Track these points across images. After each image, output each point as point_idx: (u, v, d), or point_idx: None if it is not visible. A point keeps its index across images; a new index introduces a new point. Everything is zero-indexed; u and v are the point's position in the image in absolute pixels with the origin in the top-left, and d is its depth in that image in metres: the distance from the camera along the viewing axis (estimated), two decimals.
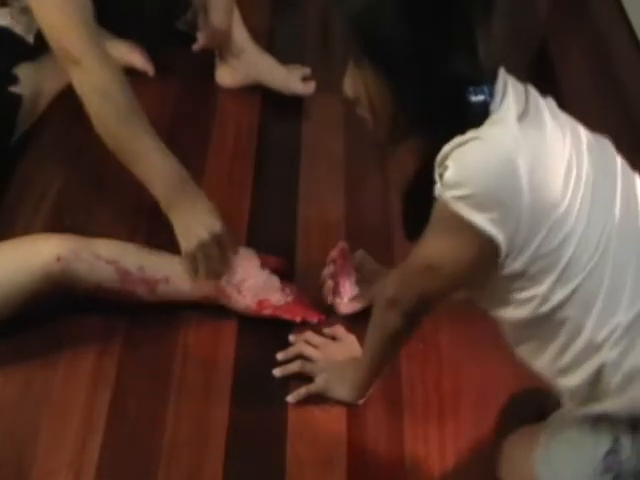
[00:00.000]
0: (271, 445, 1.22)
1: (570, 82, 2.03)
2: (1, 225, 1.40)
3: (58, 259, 1.19)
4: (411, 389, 1.31)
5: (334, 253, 1.39)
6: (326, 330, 1.33)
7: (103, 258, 1.23)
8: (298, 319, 1.34)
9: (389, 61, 0.91)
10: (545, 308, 0.94)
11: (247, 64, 1.71)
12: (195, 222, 1.26)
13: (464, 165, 0.88)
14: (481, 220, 0.88)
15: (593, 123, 1.98)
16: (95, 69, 1.21)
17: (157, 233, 1.43)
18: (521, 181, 0.87)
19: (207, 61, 1.81)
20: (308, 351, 1.28)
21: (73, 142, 1.52)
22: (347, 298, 1.35)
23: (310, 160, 1.66)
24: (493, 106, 0.91)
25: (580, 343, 0.94)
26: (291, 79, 1.72)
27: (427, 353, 1.35)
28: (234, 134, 1.67)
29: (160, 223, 1.44)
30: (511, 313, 0.98)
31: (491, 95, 0.91)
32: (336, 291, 1.36)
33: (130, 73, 1.68)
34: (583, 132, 1.06)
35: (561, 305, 0.93)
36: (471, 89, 0.89)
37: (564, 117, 1.06)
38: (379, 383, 1.26)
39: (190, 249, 1.25)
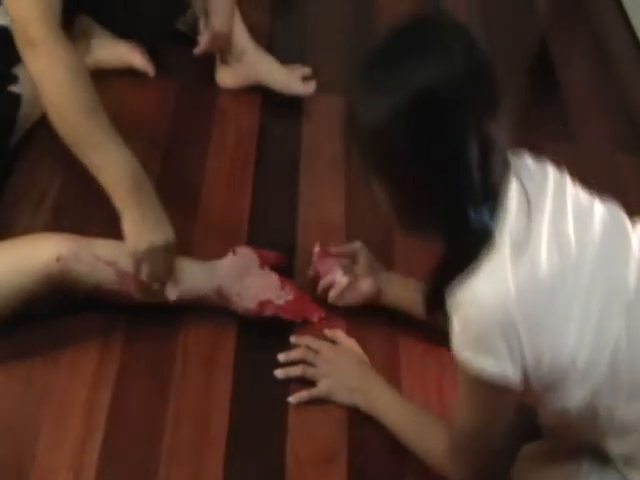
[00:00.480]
0: (271, 445, 1.22)
1: (570, 82, 2.04)
2: (1, 225, 1.39)
3: (58, 259, 1.19)
4: (411, 389, 1.31)
5: (314, 258, 1.40)
6: (327, 332, 1.33)
7: (102, 259, 1.22)
8: (299, 319, 1.34)
9: (390, 179, 0.95)
10: (574, 409, 0.96)
11: (248, 66, 1.71)
12: (149, 226, 1.23)
13: (462, 317, 0.91)
14: (489, 365, 0.91)
15: (593, 123, 2.00)
16: (51, 52, 1.21)
17: None
18: (516, 324, 0.88)
19: (207, 61, 1.81)
20: (310, 357, 1.28)
21: None
22: (334, 291, 1.36)
23: (310, 160, 1.66)
24: (495, 225, 0.91)
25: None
26: (292, 80, 1.71)
27: (427, 353, 1.35)
28: (234, 134, 1.67)
29: None
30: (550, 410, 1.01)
31: (492, 215, 0.91)
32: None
33: (130, 73, 1.69)
34: (598, 220, 1.01)
35: (587, 401, 0.95)
36: (471, 209, 0.90)
37: (581, 205, 1.04)
38: None
39: (139, 251, 1.22)
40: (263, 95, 1.76)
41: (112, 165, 1.23)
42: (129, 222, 1.22)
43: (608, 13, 2.34)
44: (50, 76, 1.22)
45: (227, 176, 1.59)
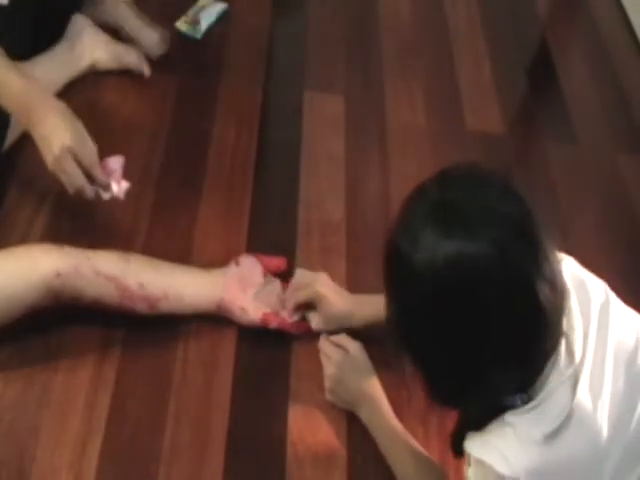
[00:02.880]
0: (271, 445, 1.22)
1: (570, 82, 2.04)
2: (1, 226, 1.39)
3: (58, 275, 1.18)
4: (411, 389, 1.31)
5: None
6: (332, 338, 1.31)
7: (103, 274, 1.21)
8: (303, 331, 1.33)
9: (418, 361, 0.91)
10: None
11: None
12: (47, 138, 1.21)
13: (481, 472, 0.90)
14: None
15: (593, 123, 2.00)
16: None
17: (156, 234, 1.43)
18: None
19: (207, 61, 1.81)
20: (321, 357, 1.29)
21: None
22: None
23: (310, 160, 1.66)
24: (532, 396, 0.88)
25: None
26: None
27: None
28: (234, 134, 1.67)
29: (158, 222, 1.44)
30: None
31: (527, 399, 0.88)
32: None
33: (130, 73, 1.69)
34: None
35: None
36: (505, 398, 0.88)
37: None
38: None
39: (49, 167, 1.22)
40: (263, 95, 1.76)
41: (10, 94, 1.22)
42: (38, 144, 1.22)
43: (608, 13, 2.34)
44: None
45: (227, 176, 1.58)
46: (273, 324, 1.31)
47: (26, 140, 1.51)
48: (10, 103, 1.23)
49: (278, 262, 1.40)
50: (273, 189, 1.59)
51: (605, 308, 0.96)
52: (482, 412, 0.91)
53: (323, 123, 1.75)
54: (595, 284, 0.99)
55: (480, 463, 0.89)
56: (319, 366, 1.30)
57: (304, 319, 1.34)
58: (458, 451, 0.96)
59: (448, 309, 0.82)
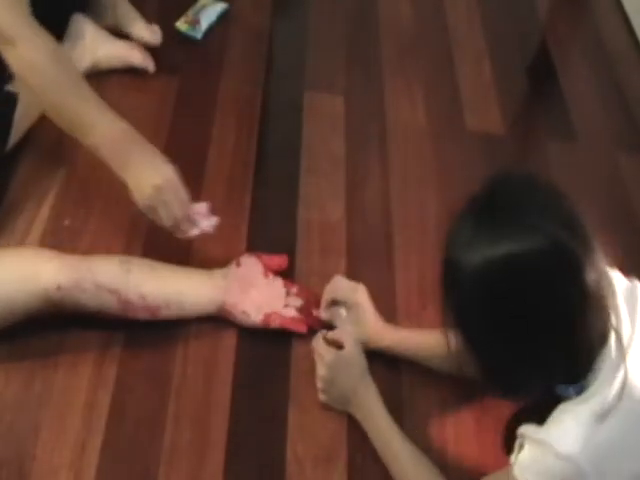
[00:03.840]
0: (271, 445, 1.22)
1: (570, 82, 2.04)
2: (1, 226, 1.39)
3: (58, 288, 1.18)
4: (411, 389, 1.31)
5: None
6: (331, 334, 1.30)
7: (104, 287, 1.21)
8: (304, 330, 1.33)
9: (479, 354, 0.94)
10: None
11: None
12: (146, 172, 1.24)
13: (537, 454, 0.93)
14: None
15: (593, 123, 2.00)
16: (30, 46, 1.20)
17: (156, 233, 1.43)
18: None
19: (207, 61, 1.81)
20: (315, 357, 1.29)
21: (72, 143, 1.51)
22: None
23: (310, 160, 1.66)
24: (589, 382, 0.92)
25: None
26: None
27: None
28: (234, 134, 1.67)
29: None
30: None
31: (580, 390, 0.93)
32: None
33: (130, 73, 1.69)
34: None
35: None
36: (557, 386, 0.94)
37: None
38: (379, 384, 1.26)
39: (144, 201, 1.23)
40: (263, 95, 1.76)
41: (103, 135, 1.23)
42: (130, 182, 1.23)
43: (608, 13, 2.34)
44: (34, 70, 1.22)
45: (227, 176, 1.58)
46: (275, 324, 1.31)
47: (26, 140, 1.51)
48: (104, 143, 1.23)
49: (279, 260, 1.40)
50: (273, 189, 1.60)
51: None
52: (540, 402, 0.96)
53: (323, 123, 1.75)
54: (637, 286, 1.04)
55: (538, 443, 0.92)
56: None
57: (330, 326, 1.33)
58: (510, 444, 0.99)
59: (510, 307, 0.87)
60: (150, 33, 1.74)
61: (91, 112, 1.24)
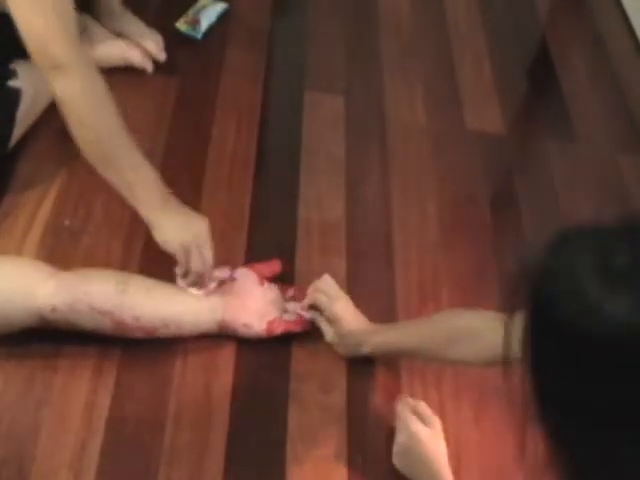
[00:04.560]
0: (271, 445, 1.22)
1: (570, 82, 2.04)
2: (1, 226, 1.39)
3: (53, 310, 1.17)
4: (411, 390, 1.31)
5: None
6: (412, 403, 1.25)
7: (98, 310, 1.20)
8: (309, 328, 1.33)
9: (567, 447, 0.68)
10: None
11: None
12: (177, 227, 1.26)
13: None
14: None
15: (593, 123, 2.00)
16: (82, 76, 1.19)
17: None
18: None
19: (207, 61, 1.81)
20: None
21: (72, 143, 1.51)
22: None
23: (310, 160, 1.66)
24: None
25: None
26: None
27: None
28: (234, 134, 1.67)
29: None
30: None
31: None
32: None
33: (130, 72, 1.69)
34: None
35: None
36: None
37: None
38: (379, 384, 1.26)
39: (171, 248, 1.26)
40: (263, 95, 1.76)
41: (141, 181, 1.25)
42: (160, 229, 1.26)
43: (608, 13, 2.34)
44: (81, 100, 1.19)
45: (227, 176, 1.58)
46: (278, 330, 1.30)
47: (26, 140, 1.51)
48: (140, 182, 1.24)
49: (271, 267, 1.39)
50: (273, 189, 1.59)
51: None
52: None
53: (323, 123, 1.75)
54: None
55: None
56: (319, 366, 1.31)
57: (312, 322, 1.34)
58: None
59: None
60: (155, 46, 1.73)
61: (129, 149, 1.24)
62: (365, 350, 1.27)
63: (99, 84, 1.21)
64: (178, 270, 1.30)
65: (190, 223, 1.28)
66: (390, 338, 1.26)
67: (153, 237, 1.26)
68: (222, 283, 1.33)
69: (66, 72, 1.17)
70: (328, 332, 1.32)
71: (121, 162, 1.23)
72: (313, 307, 1.34)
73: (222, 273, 1.34)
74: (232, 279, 1.34)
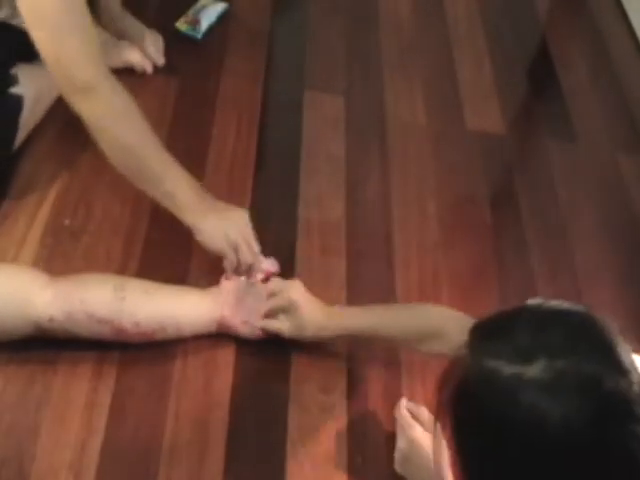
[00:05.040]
0: (271, 445, 1.22)
1: (570, 82, 2.04)
2: (1, 226, 1.39)
3: (51, 320, 1.17)
4: (411, 391, 1.31)
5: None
6: (412, 408, 1.25)
7: (96, 318, 1.19)
8: None
9: None
10: None
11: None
12: (220, 221, 1.27)
13: None
14: None
15: (593, 123, 2.00)
16: (107, 95, 1.19)
17: (156, 234, 1.43)
18: None
19: (207, 61, 1.81)
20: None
21: (73, 143, 1.52)
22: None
23: (310, 160, 1.66)
24: None
25: None
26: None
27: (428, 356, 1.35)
28: (234, 134, 1.67)
29: (159, 223, 1.44)
30: None
31: None
32: None
33: (130, 71, 1.69)
34: None
35: None
36: None
37: None
38: (379, 384, 1.26)
39: (217, 245, 1.27)
40: (263, 94, 1.76)
41: (179, 191, 1.25)
42: (203, 233, 1.27)
43: (608, 13, 2.34)
44: (110, 122, 1.20)
45: (227, 176, 1.58)
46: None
47: (27, 141, 1.51)
48: (180, 192, 1.25)
49: (268, 266, 1.38)
50: (273, 189, 1.59)
51: None
52: None
53: (323, 123, 1.75)
54: None
55: None
56: (319, 367, 1.31)
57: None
58: None
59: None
60: (155, 50, 1.73)
61: (162, 162, 1.25)
62: (328, 334, 1.27)
63: (126, 102, 1.22)
64: (228, 265, 1.30)
65: (231, 219, 1.29)
66: (358, 323, 1.25)
67: (198, 242, 1.28)
68: (269, 276, 1.36)
69: (92, 95, 1.17)
70: (285, 325, 1.28)
71: (157, 176, 1.24)
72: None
73: (271, 266, 1.38)
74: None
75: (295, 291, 1.29)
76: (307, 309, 1.27)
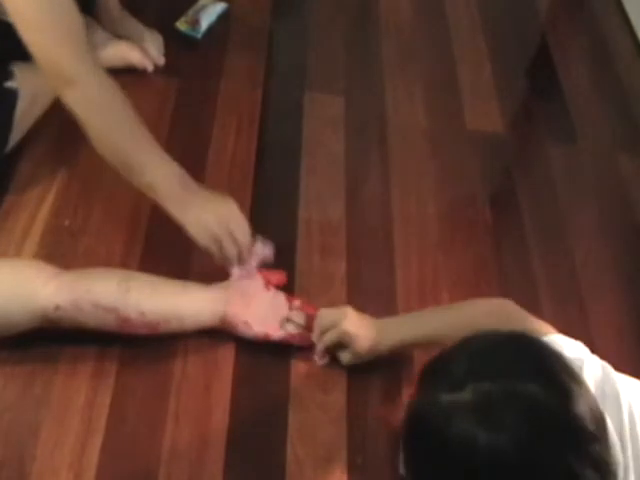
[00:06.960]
0: (271, 445, 1.22)
1: (570, 82, 2.04)
2: (1, 226, 1.39)
3: (56, 308, 1.17)
4: (411, 390, 1.31)
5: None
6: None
7: (102, 307, 1.20)
8: (307, 345, 1.32)
9: None
10: None
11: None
12: (203, 213, 1.26)
13: None
14: None
15: (593, 123, 2.00)
16: (92, 87, 1.19)
17: (156, 234, 1.43)
18: None
19: (207, 61, 1.81)
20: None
21: (72, 143, 1.52)
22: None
23: (310, 160, 1.66)
24: None
25: None
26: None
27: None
28: (234, 134, 1.67)
29: (159, 222, 1.44)
30: None
31: None
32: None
33: (130, 71, 1.69)
34: None
35: None
36: None
37: None
38: (379, 384, 1.26)
39: (203, 241, 1.26)
40: (263, 94, 1.76)
41: (160, 179, 1.25)
42: (188, 225, 1.25)
43: (608, 13, 2.34)
44: (95, 113, 1.20)
45: (227, 176, 1.58)
46: (275, 336, 1.30)
47: (27, 141, 1.51)
48: (162, 182, 1.25)
49: (278, 277, 1.38)
50: (273, 189, 1.60)
51: (632, 419, 0.90)
52: None
53: (323, 123, 1.75)
54: (624, 392, 0.92)
55: None
56: (319, 366, 1.31)
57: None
58: None
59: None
60: (155, 51, 1.74)
61: (147, 152, 1.24)
62: (383, 350, 1.27)
63: (111, 94, 1.22)
64: (216, 259, 1.30)
65: (213, 211, 1.27)
66: (413, 334, 1.25)
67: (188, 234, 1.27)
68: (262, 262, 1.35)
69: (77, 86, 1.18)
70: (345, 356, 1.29)
71: (139, 167, 1.23)
72: (327, 349, 1.31)
73: (266, 250, 1.37)
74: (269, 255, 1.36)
75: (348, 323, 1.27)
76: (364, 338, 1.26)
